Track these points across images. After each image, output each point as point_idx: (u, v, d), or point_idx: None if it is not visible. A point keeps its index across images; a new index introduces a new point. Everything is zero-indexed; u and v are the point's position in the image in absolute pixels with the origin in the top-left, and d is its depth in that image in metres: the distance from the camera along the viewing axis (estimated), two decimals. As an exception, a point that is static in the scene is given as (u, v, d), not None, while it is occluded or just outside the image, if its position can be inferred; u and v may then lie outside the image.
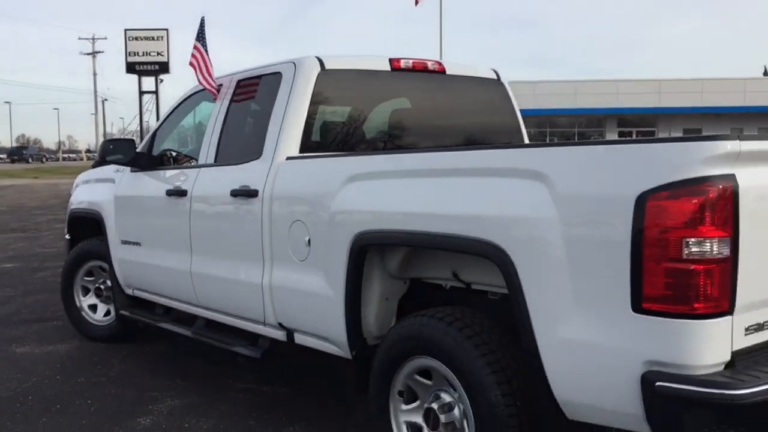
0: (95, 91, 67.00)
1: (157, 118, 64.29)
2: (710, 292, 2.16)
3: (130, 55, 62.18)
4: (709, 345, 2.18)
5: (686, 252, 2.14)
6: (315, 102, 3.86)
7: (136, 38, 60.85)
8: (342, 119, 4.23)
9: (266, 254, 3.74)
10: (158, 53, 62.07)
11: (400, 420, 3.09)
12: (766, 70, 61.20)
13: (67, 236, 6.05)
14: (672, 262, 2.16)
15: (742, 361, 2.24)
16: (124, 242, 5.12)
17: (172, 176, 4.66)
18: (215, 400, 4.30)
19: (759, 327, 2.30)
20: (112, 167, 5.31)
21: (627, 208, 2.22)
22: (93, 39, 67.25)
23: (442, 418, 2.88)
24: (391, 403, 3.11)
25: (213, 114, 4.46)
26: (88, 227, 5.67)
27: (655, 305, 2.20)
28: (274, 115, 3.88)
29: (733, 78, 44.90)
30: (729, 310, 2.19)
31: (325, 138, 4.02)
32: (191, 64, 4.48)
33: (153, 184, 4.78)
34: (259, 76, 4.21)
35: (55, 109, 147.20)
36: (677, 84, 44.48)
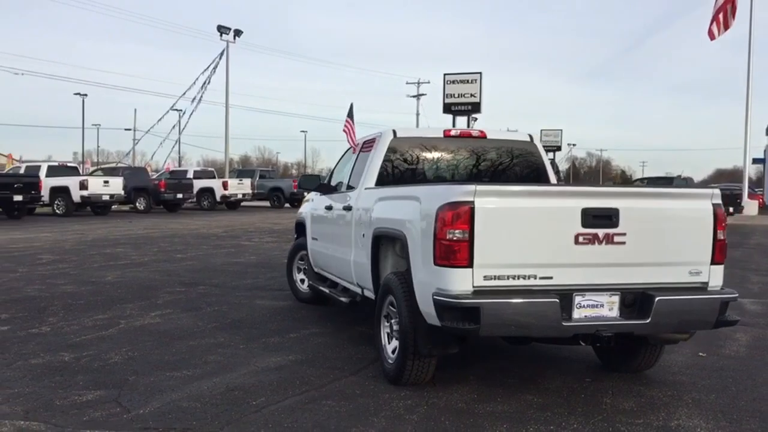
0: (417, 129, 74.46)
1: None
2: (459, 256, 4.52)
3: (447, 96, 68.03)
4: (459, 282, 4.53)
5: (449, 237, 4.54)
6: (387, 157, 6.62)
7: (453, 81, 66.24)
8: (406, 167, 6.88)
9: (352, 243, 6.57)
10: (471, 95, 66.93)
11: (384, 331, 5.70)
12: None
13: (295, 235, 9.47)
14: (445, 242, 4.57)
15: (481, 292, 4.54)
16: (312, 238, 8.30)
17: (331, 198, 7.70)
18: (340, 330, 7.22)
19: (493, 277, 4.56)
20: (316, 192, 8.53)
21: (432, 215, 4.68)
22: (418, 83, 74.70)
23: (395, 327, 5.47)
24: (381, 321, 5.73)
25: (351, 161, 7.43)
26: (302, 230, 8.99)
27: (440, 262, 4.61)
28: (368, 162, 6.72)
29: None
30: (470, 266, 4.52)
31: (393, 177, 6.70)
32: (344, 131, 7.51)
33: (324, 202, 7.88)
34: (370, 140, 7.07)
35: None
36: None
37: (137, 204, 31.11)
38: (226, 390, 5.19)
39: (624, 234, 4.73)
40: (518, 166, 6.98)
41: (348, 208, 6.70)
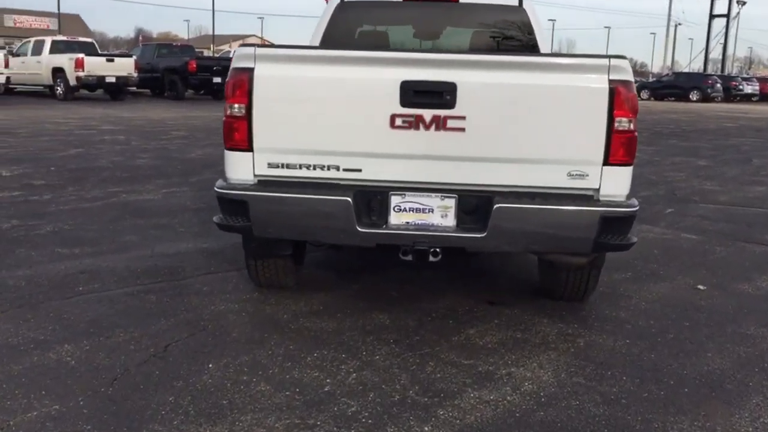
0: (669, 16, 67.65)
1: (725, 43, 61.13)
2: (238, 137, 3.63)
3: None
4: (239, 169, 3.67)
5: (229, 113, 3.65)
6: (333, 22, 5.58)
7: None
8: (355, 36, 5.77)
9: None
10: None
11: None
12: None
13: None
14: (226, 118, 3.67)
15: (264, 183, 3.65)
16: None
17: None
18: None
19: (280, 165, 3.62)
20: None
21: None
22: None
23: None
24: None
25: None
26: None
27: (225, 144, 3.73)
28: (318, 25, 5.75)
29: None
30: (249, 149, 3.62)
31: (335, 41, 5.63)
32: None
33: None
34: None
35: (651, 32, 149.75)
36: None
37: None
38: (78, 272, 4.86)
39: (463, 118, 3.50)
40: (498, 37, 5.61)
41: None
